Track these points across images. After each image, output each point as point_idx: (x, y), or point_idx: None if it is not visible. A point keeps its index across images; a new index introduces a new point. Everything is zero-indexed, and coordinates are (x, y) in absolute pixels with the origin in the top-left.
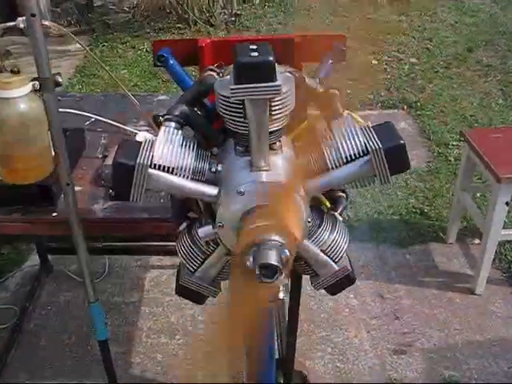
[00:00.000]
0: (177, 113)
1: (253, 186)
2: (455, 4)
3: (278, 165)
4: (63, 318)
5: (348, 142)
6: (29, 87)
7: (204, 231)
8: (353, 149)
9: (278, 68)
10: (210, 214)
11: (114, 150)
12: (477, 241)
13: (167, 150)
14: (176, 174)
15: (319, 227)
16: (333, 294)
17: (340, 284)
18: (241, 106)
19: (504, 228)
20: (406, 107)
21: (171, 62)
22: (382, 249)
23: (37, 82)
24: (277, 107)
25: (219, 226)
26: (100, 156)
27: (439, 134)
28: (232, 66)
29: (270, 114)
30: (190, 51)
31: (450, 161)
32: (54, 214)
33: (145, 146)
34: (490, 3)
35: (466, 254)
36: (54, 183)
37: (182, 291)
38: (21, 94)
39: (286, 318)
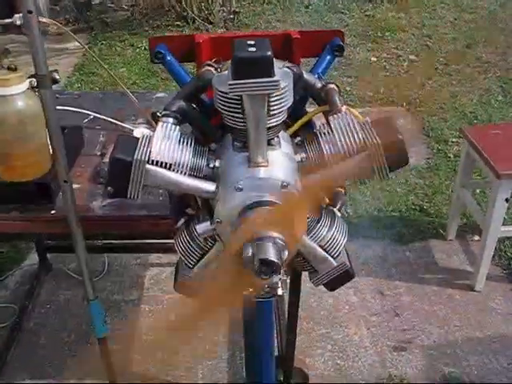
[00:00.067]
0: (174, 108)
1: (251, 181)
2: (454, 1)
3: (277, 161)
4: (63, 316)
5: (346, 137)
6: (26, 84)
7: (202, 227)
8: (351, 144)
9: (277, 63)
10: (207, 210)
11: (112, 147)
12: (476, 237)
13: (165, 146)
14: (174, 170)
15: (318, 223)
16: (332, 289)
17: (339, 280)
18: (239, 102)
19: (504, 224)
20: (405, 104)
21: (168, 58)
22: (382, 246)
23: (34, 79)
24: (275, 103)
25: (217, 222)
26: (98, 153)
27: (439, 130)
28: (230, 61)
29: (268, 110)
30: (187, 47)
31: (450, 157)
32: (53, 212)
33: (142, 142)
34: (489, 0)
35: (465, 251)
36: (52, 181)
37: (182, 289)
38: (18, 91)
39: (286, 316)
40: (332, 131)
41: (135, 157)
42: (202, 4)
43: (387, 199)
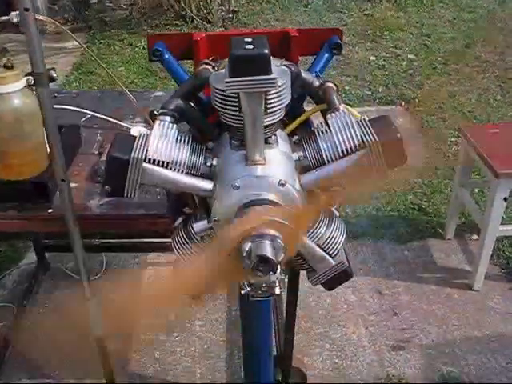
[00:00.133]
0: (172, 107)
1: (248, 180)
2: (453, 0)
3: (274, 159)
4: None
5: (344, 135)
6: (23, 82)
7: (199, 226)
8: (349, 142)
9: (274, 61)
10: (205, 208)
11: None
12: (475, 237)
13: (162, 145)
14: (171, 169)
15: (316, 222)
16: (330, 289)
17: (337, 279)
18: (236, 100)
19: (502, 224)
20: (403, 103)
21: (166, 56)
22: (381, 245)
23: (31, 77)
24: (272, 100)
25: (214, 220)
26: (96, 152)
27: (437, 130)
28: (227, 59)
29: (266, 108)
30: (185, 45)
31: (448, 157)
32: (50, 211)
33: (139, 141)
34: None
35: (464, 250)
36: (49, 179)
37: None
38: (15, 89)
39: (284, 315)
40: (330, 130)
41: (132, 155)
42: (201, 3)
43: (386, 198)
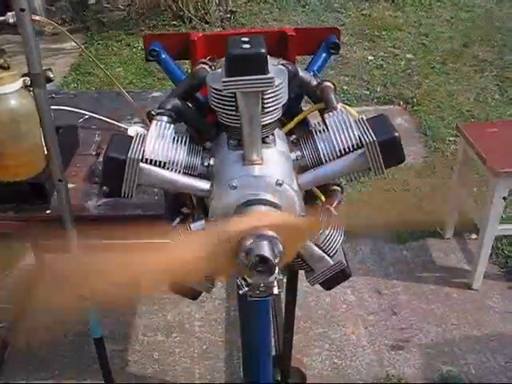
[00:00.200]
0: (169, 107)
1: (245, 179)
2: None
3: (271, 158)
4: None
5: (342, 134)
6: (19, 83)
7: (197, 226)
8: (347, 142)
9: (271, 61)
10: (202, 208)
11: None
12: (474, 236)
13: (159, 145)
14: (168, 169)
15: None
16: (328, 288)
17: (335, 278)
18: (233, 99)
19: (501, 223)
20: (402, 103)
21: (163, 56)
22: (380, 245)
23: (28, 78)
24: (269, 100)
25: (212, 220)
26: (94, 153)
27: (436, 129)
28: (224, 58)
29: (263, 107)
30: (181, 45)
31: (447, 156)
32: (48, 212)
33: (136, 141)
34: None
35: (463, 249)
36: (46, 180)
37: (176, 287)
38: (11, 90)
39: (283, 315)
40: (327, 129)
41: (129, 155)
42: (199, 3)
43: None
